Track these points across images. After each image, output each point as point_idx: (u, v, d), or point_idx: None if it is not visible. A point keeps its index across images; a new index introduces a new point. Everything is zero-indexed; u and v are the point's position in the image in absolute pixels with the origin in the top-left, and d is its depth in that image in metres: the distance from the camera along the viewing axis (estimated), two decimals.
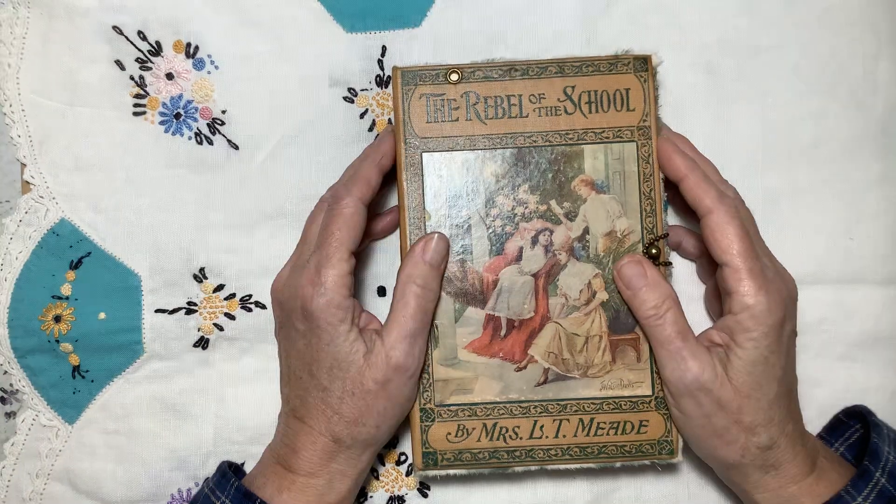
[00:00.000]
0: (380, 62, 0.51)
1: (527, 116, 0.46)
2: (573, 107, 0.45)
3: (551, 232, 0.46)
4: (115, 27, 0.51)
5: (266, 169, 0.51)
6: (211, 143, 0.51)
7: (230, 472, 0.45)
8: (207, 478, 0.47)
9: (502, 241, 0.46)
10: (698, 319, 0.49)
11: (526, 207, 0.46)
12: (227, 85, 0.51)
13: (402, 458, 0.51)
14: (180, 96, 0.51)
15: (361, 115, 0.51)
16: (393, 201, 0.51)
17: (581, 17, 0.50)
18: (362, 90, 0.51)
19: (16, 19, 0.51)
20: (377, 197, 0.47)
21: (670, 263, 0.46)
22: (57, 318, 0.50)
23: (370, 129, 0.51)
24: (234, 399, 0.51)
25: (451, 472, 0.46)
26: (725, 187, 0.45)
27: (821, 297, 0.50)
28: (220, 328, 0.51)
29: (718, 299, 0.45)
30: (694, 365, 0.42)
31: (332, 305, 0.42)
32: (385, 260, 0.51)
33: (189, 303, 0.51)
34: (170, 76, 0.51)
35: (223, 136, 0.51)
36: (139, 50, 0.51)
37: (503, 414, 0.45)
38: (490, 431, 0.45)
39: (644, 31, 0.50)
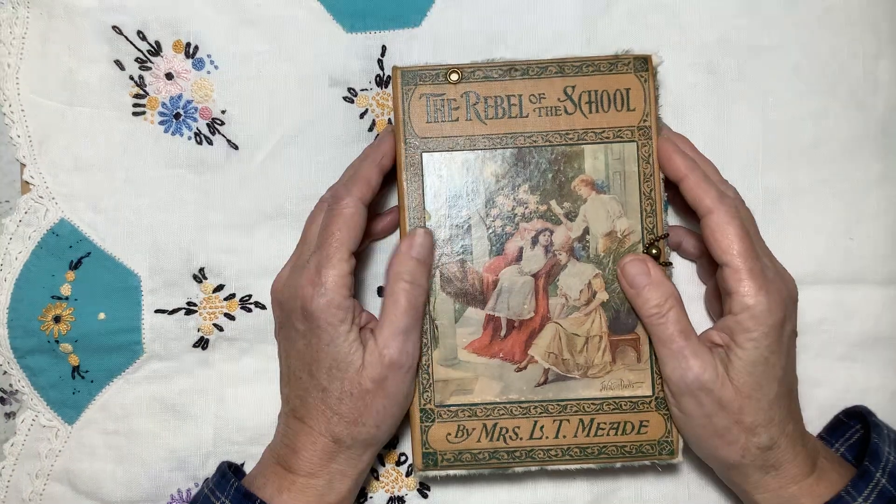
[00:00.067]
0: (380, 62, 0.51)
1: (527, 116, 0.45)
2: (573, 107, 0.45)
3: (551, 232, 0.46)
4: (114, 27, 0.50)
5: (266, 169, 0.51)
6: (211, 143, 0.51)
7: (230, 472, 0.45)
8: (207, 478, 0.47)
9: (502, 241, 0.46)
10: (698, 319, 0.49)
11: (526, 207, 0.46)
12: (226, 85, 0.51)
13: (402, 458, 0.51)
14: (180, 96, 0.51)
15: (361, 115, 0.51)
16: (393, 201, 0.51)
17: (581, 17, 0.50)
18: (362, 90, 0.51)
19: (15, 19, 0.51)
20: (377, 197, 0.47)
21: (670, 264, 0.46)
22: (56, 319, 0.50)
23: (370, 129, 0.51)
24: (233, 399, 0.50)
25: (451, 472, 0.46)
26: (725, 187, 0.45)
27: (821, 297, 0.50)
28: (220, 328, 0.51)
29: (719, 299, 0.45)
30: (695, 364, 0.42)
31: (333, 306, 0.42)
32: (385, 260, 0.51)
33: (189, 303, 0.51)
34: (169, 76, 0.51)
35: (223, 136, 0.51)
36: (139, 50, 0.51)
37: (503, 414, 0.45)
38: (490, 432, 0.45)
39: (644, 30, 0.50)
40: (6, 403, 0.53)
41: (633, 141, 0.45)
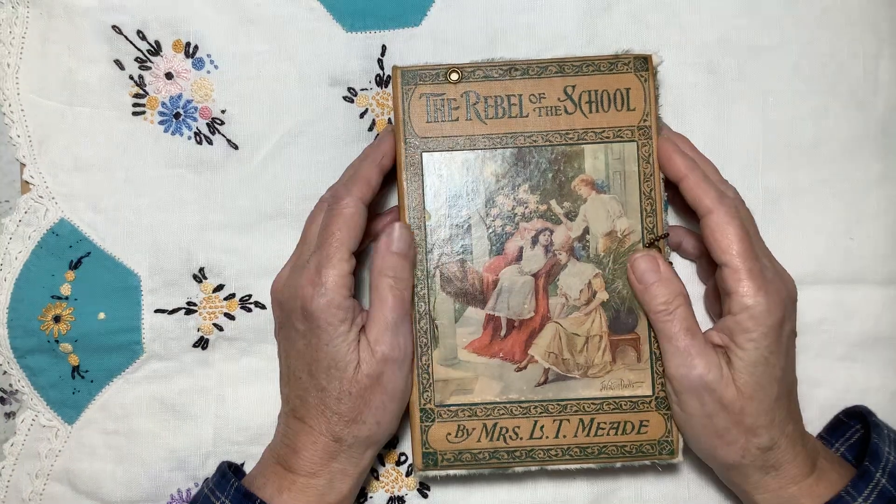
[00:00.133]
0: (380, 62, 0.51)
1: (527, 116, 0.45)
2: (573, 106, 0.45)
3: (551, 232, 0.46)
4: (114, 27, 0.50)
5: (266, 169, 0.51)
6: (210, 142, 0.51)
7: (230, 472, 0.45)
8: (207, 478, 0.47)
9: (502, 240, 0.46)
10: (698, 320, 0.49)
11: (526, 207, 0.46)
12: (226, 84, 0.51)
13: (402, 458, 0.51)
14: (180, 96, 0.51)
15: (361, 115, 0.51)
16: (393, 201, 0.51)
17: (581, 17, 0.50)
18: (362, 90, 0.51)
19: (15, 19, 0.51)
20: (377, 197, 0.47)
21: (671, 263, 0.45)
22: (56, 319, 0.50)
23: (370, 129, 0.51)
24: (233, 399, 0.50)
25: (451, 472, 0.46)
26: (725, 187, 0.45)
27: (821, 297, 0.50)
28: (220, 328, 0.51)
29: (718, 300, 0.45)
30: (700, 363, 0.42)
31: (333, 306, 0.42)
32: None
33: (189, 303, 0.51)
34: (169, 76, 0.51)
35: (223, 135, 0.51)
36: (138, 49, 0.51)
37: (503, 414, 0.45)
38: (490, 432, 0.45)
39: (644, 30, 0.50)
40: (6, 403, 0.53)
41: (633, 141, 0.45)
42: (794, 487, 0.43)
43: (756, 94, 0.50)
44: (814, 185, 0.50)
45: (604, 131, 0.45)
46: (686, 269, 0.50)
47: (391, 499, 0.50)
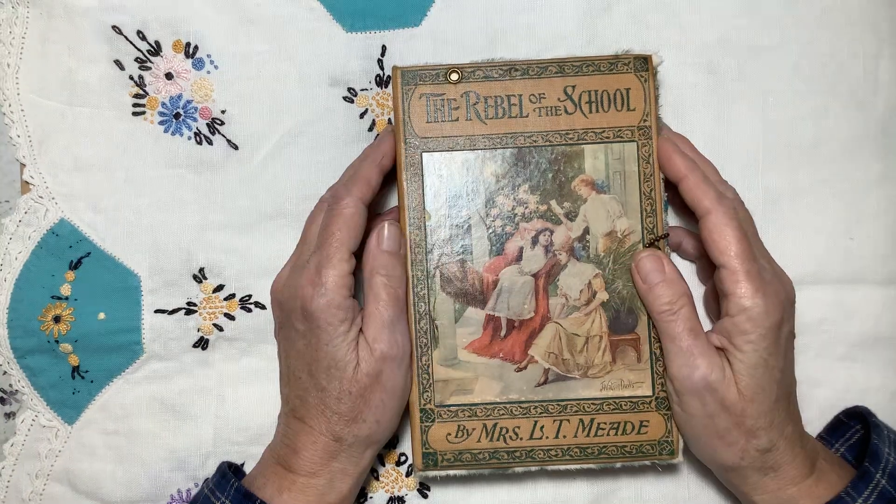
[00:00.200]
0: (380, 62, 0.51)
1: (527, 116, 0.45)
2: (573, 106, 0.45)
3: (551, 232, 0.46)
4: (114, 27, 0.50)
5: (266, 169, 0.51)
6: (210, 142, 0.51)
7: (230, 472, 0.45)
8: (207, 478, 0.47)
9: (502, 241, 0.46)
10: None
11: (526, 207, 0.46)
12: (226, 85, 0.51)
13: (402, 458, 0.51)
14: (180, 96, 0.51)
15: (361, 115, 0.51)
16: (393, 201, 0.51)
17: (581, 17, 0.50)
18: (362, 90, 0.51)
19: (15, 19, 0.51)
20: (377, 197, 0.47)
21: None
22: (56, 319, 0.50)
23: (370, 129, 0.51)
24: (233, 399, 0.50)
25: (451, 472, 0.46)
26: (725, 188, 0.45)
27: (821, 298, 0.50)
28: (220, 328, 0.51)
29: (717, 301, 0.45)
30: (703, 364, 0.42)
31: (333, 306, 0.42)
32: None
33: (189, 303, 0.51)
34: (169, 76, 0.51)
35: (223, 135, 0.51)
36: (138, 50, 0.51)
37: (503, 414, 0.45)
38: (490, 432, 0.45)
39: (644, 30, 0.50)
40: (6, 403, 0.53)
41: (633, 141, 0.45)
42: (794, 488, 0.43)
43: (756, 94, 0.50)
44: (814, 185, 0.50)
45: (604, 131, 0.45)
46: (686, 270, 0.50)
47: (391, 499, 0.50)
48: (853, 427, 0.47)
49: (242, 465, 0.50)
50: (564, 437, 0.45)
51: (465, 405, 0.45)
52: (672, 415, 0.45)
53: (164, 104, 0.51)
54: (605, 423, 0.45)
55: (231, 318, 0.51)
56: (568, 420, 0.45)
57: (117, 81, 0.51)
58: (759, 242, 0.45)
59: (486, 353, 0.46)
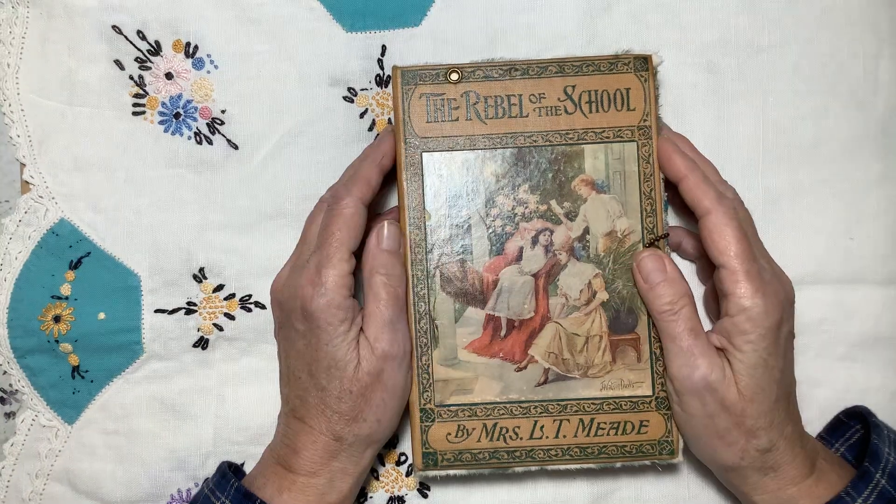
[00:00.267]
0: (380, 62, 0.51)
1: (527, 116, 0.45)
2: (573, 106, 0.45)
3: (551, 232, 0.46)
4: (114, 27, 0.50)
5: (266, 169, 0.51)
6: (210, 142, 0.51)
7: (230, 472, 0.45)
8: (207, 478, 0.47)
9: (502, 241, 0.46)
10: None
11: (526, 207, 0.46)
12: (226, 84, 0.51)
13: (402, 458, 0.51)
14: (180, 96, 0.51)
15: (361, 115, 0.51)
16: (393, 201, 0.51)
17: (581, 17, 0.50)
18: (362, 90, 0.51)
19: (15, 19, 0.51)
20: (377, 197, 0.47)
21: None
22: (56, 319, 0.50)
23: (370, 129, 0.51)
24: (233, 399, 0.50)
25: (451, 472, 0.46)
26: (725, 188, 0.45)
27: (821, 298, 0.50)
28: (220, 328, 0.51)
29: (717, 301, 0.45)
30: (703, 363, 0.42)
31: (333, 306, 0.42)
32: None
33: (189, 303, 0.51)
34: (169, 76, 0.51)
35: (223, 135, 0.51)
36: (138, 49, 0.51)
37: (503, 414, 0.45)
38: (490, 432, 0.45)
39: (644, 30, 0.50)
40: (6, 403, 0.53)
41: (633, 141, 0.45)
42: (794, 488, 0.43)
43: (756, 94, 0.50)
44: (814, 185, 0.50)
45: (604, 131, 0.45)
46: (686, 270, 0.50)
47: (391, 499, 0.50)
48: (853, 427, 0.47)
49: (242, 464, 0.50)
50: (564, 436, 0.45)
51: (465, 405, 0.45)
52: (672, 415, 0.45)
53: (164, 104, 0.51)
54: (605, 423, 0.45)
55: (231, 317, 0.51)
56: (568, 420, 0.45)
57: (117, 81, 0.51)
58: (759, 242, 0.45)
59: (486, 353, 0.46)
